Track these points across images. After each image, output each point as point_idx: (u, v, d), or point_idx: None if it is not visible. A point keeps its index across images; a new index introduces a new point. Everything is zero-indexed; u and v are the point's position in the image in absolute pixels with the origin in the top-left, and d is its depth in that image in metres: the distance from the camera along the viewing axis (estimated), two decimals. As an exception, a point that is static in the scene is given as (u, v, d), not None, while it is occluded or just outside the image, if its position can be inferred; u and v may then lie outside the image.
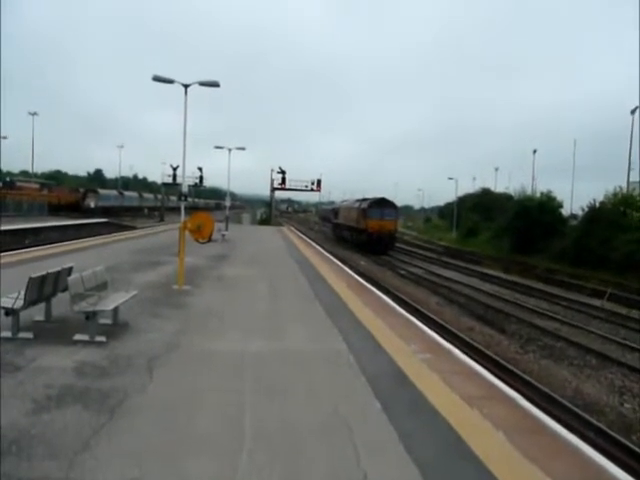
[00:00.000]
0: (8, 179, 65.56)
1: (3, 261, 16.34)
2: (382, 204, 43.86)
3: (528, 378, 11.34)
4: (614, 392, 11.37)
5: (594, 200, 38.24)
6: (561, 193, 64.70)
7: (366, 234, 42.25)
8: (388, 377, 7.47)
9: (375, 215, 42.33)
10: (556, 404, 9.87)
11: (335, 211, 61.48)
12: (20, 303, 8.16)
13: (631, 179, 44.40)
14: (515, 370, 11.88)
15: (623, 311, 20.76)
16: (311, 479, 4.55)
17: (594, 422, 9.27)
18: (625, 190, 38.85)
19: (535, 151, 65.36)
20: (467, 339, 14.40)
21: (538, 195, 44.42)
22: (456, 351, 9.35)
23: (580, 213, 41.40)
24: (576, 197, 55.64)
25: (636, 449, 8.27)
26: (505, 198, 63.93)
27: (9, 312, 8.16)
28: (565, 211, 45.32)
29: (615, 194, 37.45)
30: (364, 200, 46.70)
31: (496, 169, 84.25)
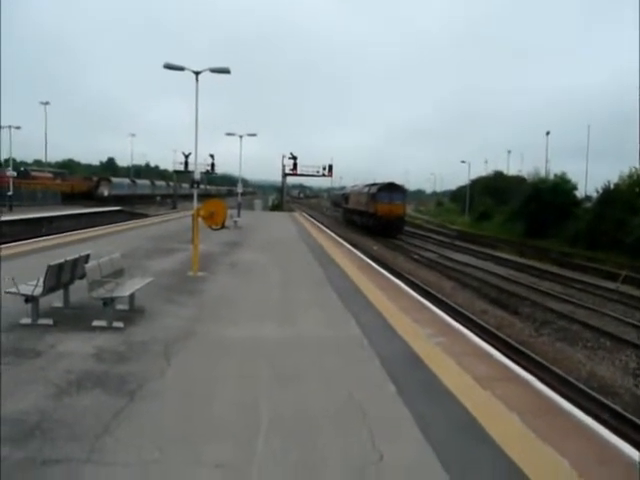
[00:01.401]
0: (22, 169, 66.06)
1: (21, 249, 16.59)
2: (391, 188, 44.48)
3: (542, 360, 11.35)
4: (629, 374, 11.34)
5: (608, 182, 37.80)
6: (575, 175, 63.84)
7: (375, 218, 42.80)
8: (402, 360, 7.52)
9: (384, 199, 42.84)
10: (570, 386, 9.88)
11: (345, 196, 61.82)
12: (39, 290, 8.30)
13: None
14: (528, 352, 11.89)
15: (638, 293, 20.60)
16: (327, 461, 4.62)
17: (609, 404, 9.28)
18: (640, 171, 38.26)
19: (548, 133, 64.31)
20: (481, 322, 14.41)
21: (552, 177, 43.99)
22: (470, 334, 9.38)
23: (595, 195, 40.93)
24: (591, 179, 54.90)
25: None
26: (518, 180, 63.30)
27: (29, 299, 8.30)
28: (579, 193, 44.84)
29: (630, 175, 36.91)
30: (373, 185, 47.24)
31: (509, 152, 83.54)
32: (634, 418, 8.69)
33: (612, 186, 37.19)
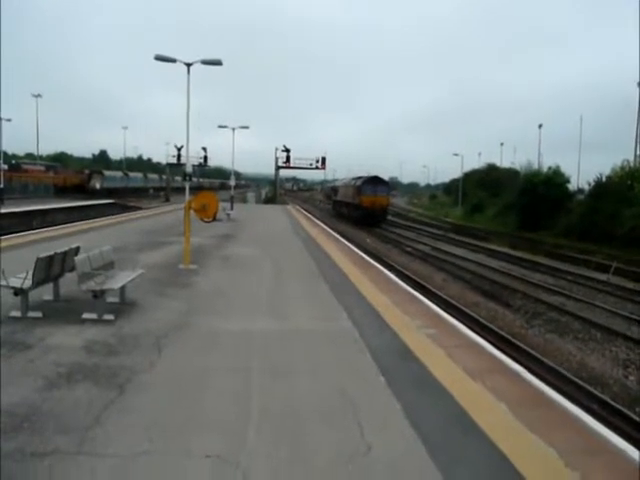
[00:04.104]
0: (14, 162, 65.49)
1: (12, 242, 16.49)
2: (375, 181, 47.23)
3: (533, 352, 11.41)
4: (618, 365, 11.43)
5: (601, 174, 37.91)
6: (569, 167, 64.16)
7: (361, 209, 45.19)
8: (393, 353, 7.54)
9: (369, 191, 45.51)
10: (560, 377, 9.95)
11: (334, 189, 63.53)
12: (29, 283, 8.25)
13: (639, 152, 43.80)
14: (519, 344, 11.95)
15: (629, 285, 20.70)
16: (317, 453, 4.64)
17: (598, 394, 9.35)
18: (632, 164, 38.39)
19: (541, 125, 64.66)
20: (472, 314, 14.46)
21: (545, 170, 44.05)
22: (460, 326, 9.42)
23: (587, 187, 41.04)
24: (584, 171, 55.11)
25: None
26: (511, 173, 63.42)
27: (18, 292, 8.26)
28: (572, 186, 44.95)
29: (622, 168, 37.00)
30: (359, 178, 49.69)
31: (501, 144, 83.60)
32: (622, 408, 8.77)
33: (604, 179, 37.28)
